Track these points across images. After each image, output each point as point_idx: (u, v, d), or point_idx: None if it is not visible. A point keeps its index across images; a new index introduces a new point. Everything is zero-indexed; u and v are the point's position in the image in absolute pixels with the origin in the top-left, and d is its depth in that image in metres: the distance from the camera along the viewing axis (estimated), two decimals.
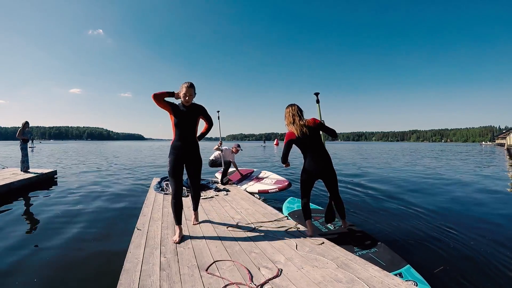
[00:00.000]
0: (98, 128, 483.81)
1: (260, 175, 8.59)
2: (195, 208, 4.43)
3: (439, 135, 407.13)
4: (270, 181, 8.16)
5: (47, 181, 10.61)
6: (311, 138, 3.95)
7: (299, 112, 4.07)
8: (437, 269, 3.84)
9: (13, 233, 5.00)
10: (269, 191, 7.62)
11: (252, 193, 7.72)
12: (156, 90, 3.35)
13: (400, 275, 3.15)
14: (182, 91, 3.80)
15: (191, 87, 3.82)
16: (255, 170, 9.08)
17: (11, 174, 9.98)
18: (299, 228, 4.24)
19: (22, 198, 7.86)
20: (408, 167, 19.41)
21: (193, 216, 4.46)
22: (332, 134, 4.13)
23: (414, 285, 2.94)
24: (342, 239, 4.02)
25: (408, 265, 3.34)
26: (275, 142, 78.15)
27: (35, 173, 10.40)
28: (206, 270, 2.82)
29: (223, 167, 8.38)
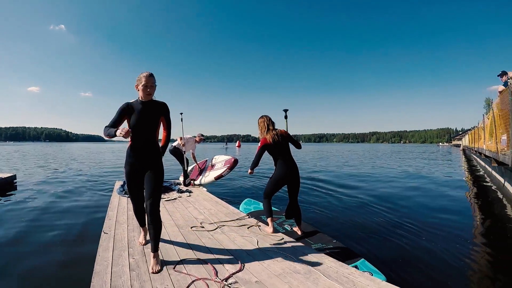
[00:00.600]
0: (56, 129, 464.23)
1: (213, 162, 8.84)
2: (154, 249, 3.08)
3: (398, 137, 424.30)
4: (220, 164, 8.40)
5: (6, 186, 10.23)
6: (283, 146, 4.33)
7: (272, 122, 4.44)
8: (391, 260, 4.18)
9: None
10: (223, 174, 7.86)
11: (210, 183, 8.21)
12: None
13: (356, 267, 3.40)
14: (141, 82, 3.14)
15: (152, 76, 3.18)
16: (207, 159, 9.31)
17: None
18: (259, 226, 4.51)
19: None
20: (366, 165, 20.13)
21: (152, 260, 3.03)
22: (297, 146, 4.67)
23: (370, 275, 3.15)
24: (300, 238, 4.28)
25: (363, 259, 3.64)
26: (237, 144, 78.24)
27: None
28: (174, 268, 2.99)
29: (184, 167, 8.46)
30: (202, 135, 9.03)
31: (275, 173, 4.34)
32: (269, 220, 4.32)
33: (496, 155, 8.52)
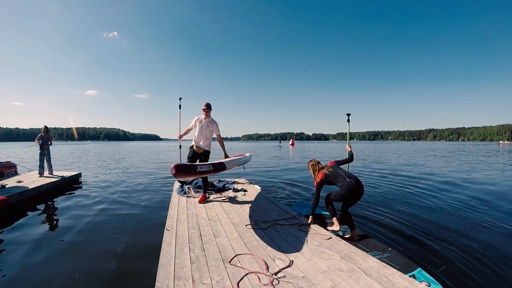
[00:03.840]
0: (114, 129, 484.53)
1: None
2: None
3: (456, 134, 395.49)
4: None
5: (72, 183, 11.06)
6: (338, 172, 4.77)
7: (319, 162, 5.12)
8: (451, 270, 4.08)
9: (50, 238, 5.49)
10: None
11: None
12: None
13: (414, 277, 3.39)
14: None
15: None
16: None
17: (40, 177, 10.43)
18: (310, 225, 4.74)
19: (56, 200, 8.34)
20: (421, 167, 19.39)
21: None
22: (349, 160, 5.39)
23: (427, 286, 3.18)
24: (355, 245, 4.19)
25: (420, 268, 3.59)
26: (290, 142, 78.43)
27: (60, 176, 10.82)
28: (230, 262, 3.32)
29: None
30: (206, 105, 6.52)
31: (345, 189, 4.56)
32: (334, 219, 4.83)
33: None
